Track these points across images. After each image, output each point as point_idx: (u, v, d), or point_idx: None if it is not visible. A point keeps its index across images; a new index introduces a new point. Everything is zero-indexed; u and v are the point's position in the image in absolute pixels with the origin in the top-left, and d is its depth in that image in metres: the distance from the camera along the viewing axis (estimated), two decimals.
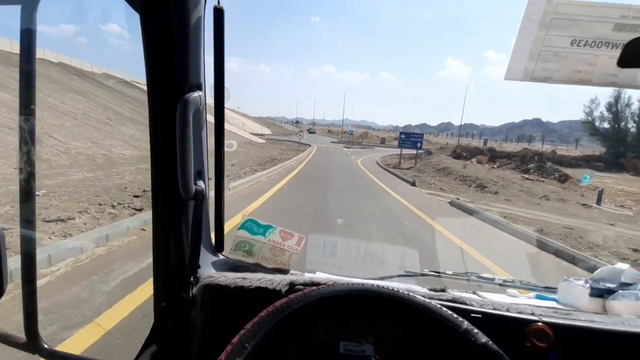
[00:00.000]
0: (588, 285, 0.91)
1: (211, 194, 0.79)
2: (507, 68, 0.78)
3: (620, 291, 0.88)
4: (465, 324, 0.54)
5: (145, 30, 0.62)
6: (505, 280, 1.07)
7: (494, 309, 0.72)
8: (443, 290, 0.82)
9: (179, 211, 0.73)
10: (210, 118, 0.75)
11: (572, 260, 4.77)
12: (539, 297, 0.99)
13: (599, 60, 0.75)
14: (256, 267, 0.88)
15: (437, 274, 1.10)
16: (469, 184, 13.19)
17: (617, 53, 0.62)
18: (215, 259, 0.88)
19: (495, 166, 19.93)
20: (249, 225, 0.89)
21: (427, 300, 0.57)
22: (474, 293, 0.91)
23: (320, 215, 5.99)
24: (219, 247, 0.86)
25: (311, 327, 0.63)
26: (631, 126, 32.50)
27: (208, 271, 0.81)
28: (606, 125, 33.56)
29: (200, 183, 0.74)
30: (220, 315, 0.73)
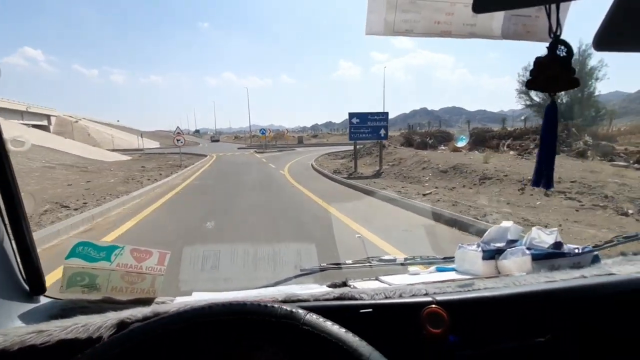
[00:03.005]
0: (480, 248, 0.93)
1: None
2: (366, 22, 0.73)
3: (508, 250, 0.91)
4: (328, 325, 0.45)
5: None
6: (406, 259, 1.05)
7: (386, 297, 0.68)
8: (344, 283, 0.79)
9: None
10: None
11: None
12: (439, 270, 1.00)
13: (456, 9, 0.73)
14: (105, 305, 0.68)
15: (336, 266, 1.03)
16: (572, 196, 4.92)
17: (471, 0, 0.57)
18: (32, 306, 0.68)
19: (518, 153, 12.50)
20: (83, 250, 0.68)
21: (294, 310, 0.46)
22: (376, 279, 0.88)
23: None
24: (36, 289, 0.69)
25: None
26: (563, 94, 29.62)
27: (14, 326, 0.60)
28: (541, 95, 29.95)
29: None
30: None
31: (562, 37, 0.62)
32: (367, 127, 11.97)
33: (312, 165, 15.20)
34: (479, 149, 14.74)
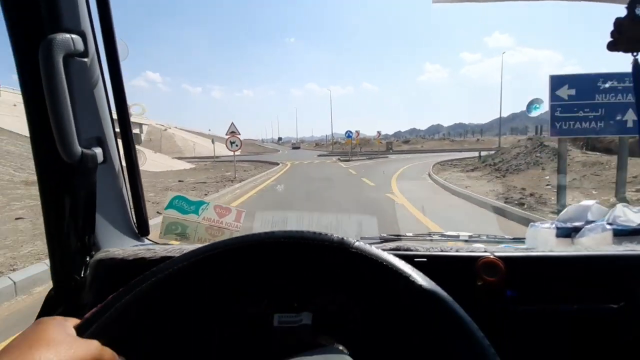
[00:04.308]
0: (554, 226, 0.87)
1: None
2: None
3: (586, 227, 0.83)
4: (391, 257, 0.47)
5: None
6: (471, 236, 0.99)
7: (442, 251, 0.67)
8: None
9: (65, 178, 0.60)
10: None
11: None
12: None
13: None
14: None
15: (396, 237, 1.00)
16: None
17: None
18: (138, 244, 0.78)
19: None
20: (178, 203, 0.79)
21: (346, 238, 0.48)
22: None
23: None
24: (142, 231, 0.79)
25: (228, 300, 0.54)
26: None
27: None
28: None
29: (96, 149, 0.62)
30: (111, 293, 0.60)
31: None
32: (593, 106, 5.41)
33: (434, 181, 9.03)
34: None
